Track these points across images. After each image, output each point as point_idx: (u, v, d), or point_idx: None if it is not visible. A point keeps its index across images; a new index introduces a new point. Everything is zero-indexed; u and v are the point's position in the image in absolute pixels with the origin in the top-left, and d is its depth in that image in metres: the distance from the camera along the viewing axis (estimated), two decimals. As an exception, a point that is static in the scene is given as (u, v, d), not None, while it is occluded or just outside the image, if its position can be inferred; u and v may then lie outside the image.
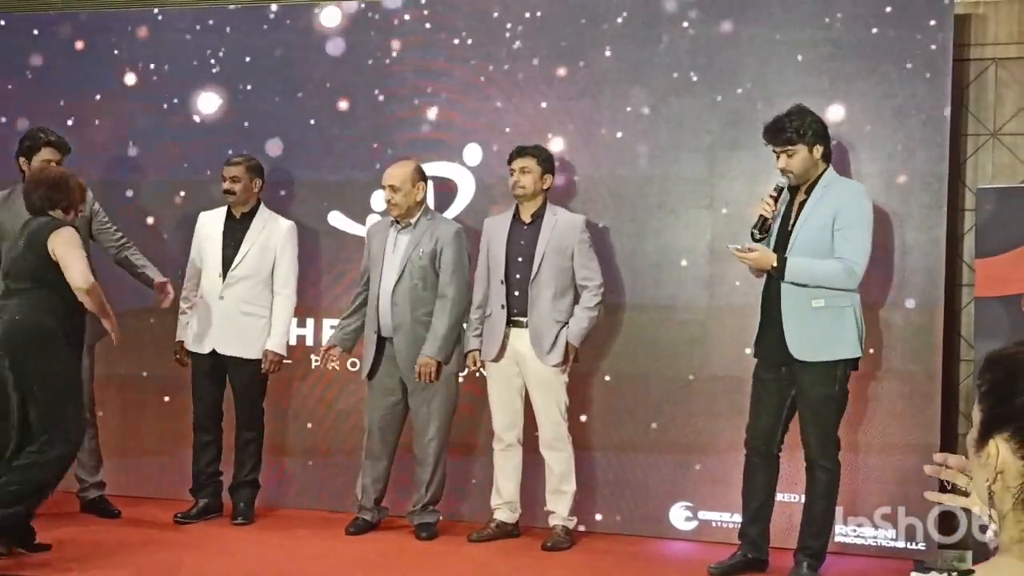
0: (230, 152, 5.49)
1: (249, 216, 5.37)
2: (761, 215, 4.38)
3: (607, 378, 5.31)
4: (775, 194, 4.41)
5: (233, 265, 5.28)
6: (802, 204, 4.45)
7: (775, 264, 4.35)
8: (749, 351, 4.68)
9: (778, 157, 4.44)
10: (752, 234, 4.44)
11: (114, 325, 4.70)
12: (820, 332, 4.36)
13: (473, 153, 5.51)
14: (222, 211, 5.41)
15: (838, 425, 4.45)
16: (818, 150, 4.42)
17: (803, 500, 4.56)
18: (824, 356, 4.37)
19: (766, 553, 4.60)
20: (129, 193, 5.89)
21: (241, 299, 5.28)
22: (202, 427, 5.37)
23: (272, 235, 5.35)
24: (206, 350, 5.29)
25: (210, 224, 5.40)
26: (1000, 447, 1.49)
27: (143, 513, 5.41)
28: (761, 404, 4.54)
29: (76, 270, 4.50)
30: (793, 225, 4.44)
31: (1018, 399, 1.47)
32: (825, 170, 4.47)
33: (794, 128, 4.38)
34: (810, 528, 4.45)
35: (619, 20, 5.33)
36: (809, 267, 4.34)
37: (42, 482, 4.48)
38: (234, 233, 5.34)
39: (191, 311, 5.36)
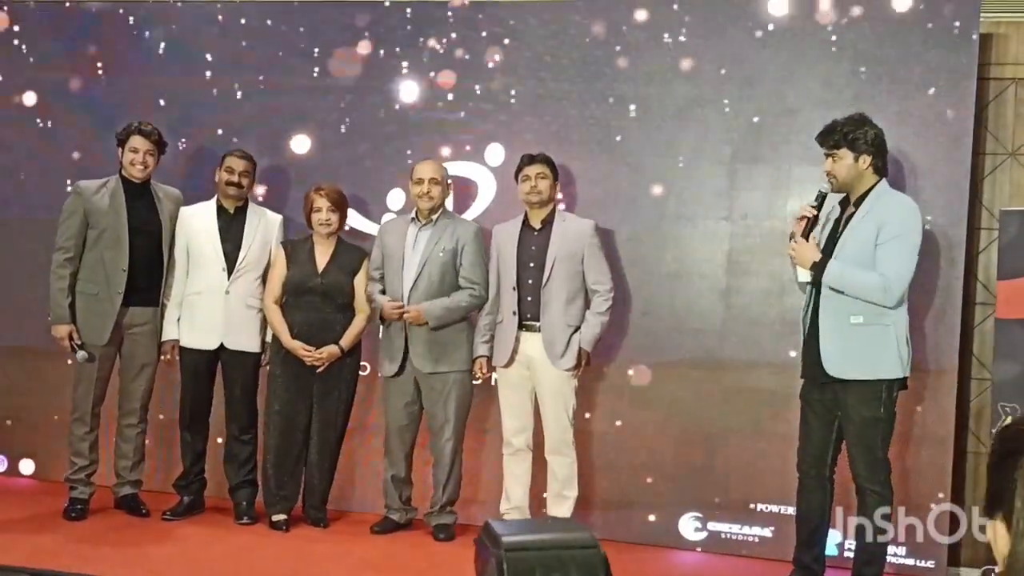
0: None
1: (242, 211, 5.32)
2: (804, 219, 4.29)
3: (619, 387, 5.31)
4: (816, 202, 4.32)
5: (240, 260, 5.24)
6: (850, 217, 4.33)
7: (816, 261, 4.24)
8: (765, 363, 4.64)
9: (826, 159, 4.36)
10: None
11: None
12: (858, 350, 4.23)
13: (495, 153, 5.51)
14: (209, 206, 5.33)
15: (887, 448, 4.31)
16: (865, 160, 4.29)
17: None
18: (861, 375, 4.21)
19: None
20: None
21: (246, 293, 5.25)
22: (192, 425, 5.34)
23: (268, 229, 5.34)
24: (213, 346, 5.25)
25: (200, 219, 5.29)
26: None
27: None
28: (809, 426, 4.43)
29: None
30: (838, 239, 4.32)
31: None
32: (876, 183, 4.34)
33: (843, 133, 4.28)
34: (862, 555, 4.36)
35: (640, 29, 5.33)
36: (848, 274, 4.21)
37: None
38: (231, 228, 5.28)
39: (183, 308, 5.27)
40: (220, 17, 5.88)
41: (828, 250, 4.32)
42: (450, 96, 5.58)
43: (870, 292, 4.21)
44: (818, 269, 4.24)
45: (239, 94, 5.81)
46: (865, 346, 4.24)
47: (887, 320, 4.25)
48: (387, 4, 5.68)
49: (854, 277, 4.21)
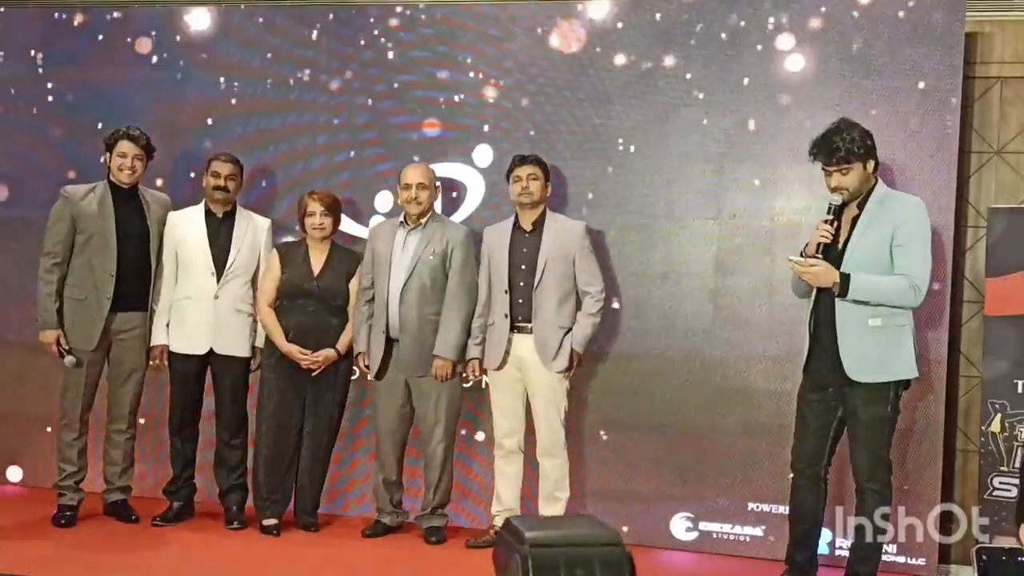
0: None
1: (230, 215, 5.31)
2: (820, 242, 4.20)
3: (610, 388, 5.31)
4: (831, 217, 4.23)
5: (229, 264, 5.22)
6: (854, 219, 4.28)
7: (837, 280, 4.17)
8: (755, 362, 4.63)
9: (830, 175, 4.27)
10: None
11: None
12: (877, 352, 4.21)
13: (484, 154, 5.52)
14: (197, 210, 5.31)
15: (889, 447, 4.30)
16: (871, 164, 4.26)
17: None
18: (881, 377, 4.20)
19: None
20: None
21: (235, 297, 5.24)
22: (181, 431, 5.32)
23: (256, 233, 5.33)
24: (201, 351, 5.22)
25: (188, 224, 5.27)
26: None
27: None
28: (807, 426, 4.40)
29: None
30: (846, 242, 4.27)
31: None
32: (875, 183, 4.31)
33: (848, 149, 4.20)
34: (858, 553, 4.36)
35: (628, 29, 5.34)
36: (873, 284, 4.17)
37: None
38: (219, 232, 5.26)
39: (172, 313, 5.25)
40: (204, 22, 5.85)
41: (829, 253, 4.24)
42: (438, 97, 5.57)
43: (899, 296, 4.19)
44: (841, 286, 4.17)
45: (225, 99, 5.80)
46: (884, 348, 4.22)
47: (902, 321, 4.25)
48: (374, 8, 5.68)
49: (879, 285, 4.18)
